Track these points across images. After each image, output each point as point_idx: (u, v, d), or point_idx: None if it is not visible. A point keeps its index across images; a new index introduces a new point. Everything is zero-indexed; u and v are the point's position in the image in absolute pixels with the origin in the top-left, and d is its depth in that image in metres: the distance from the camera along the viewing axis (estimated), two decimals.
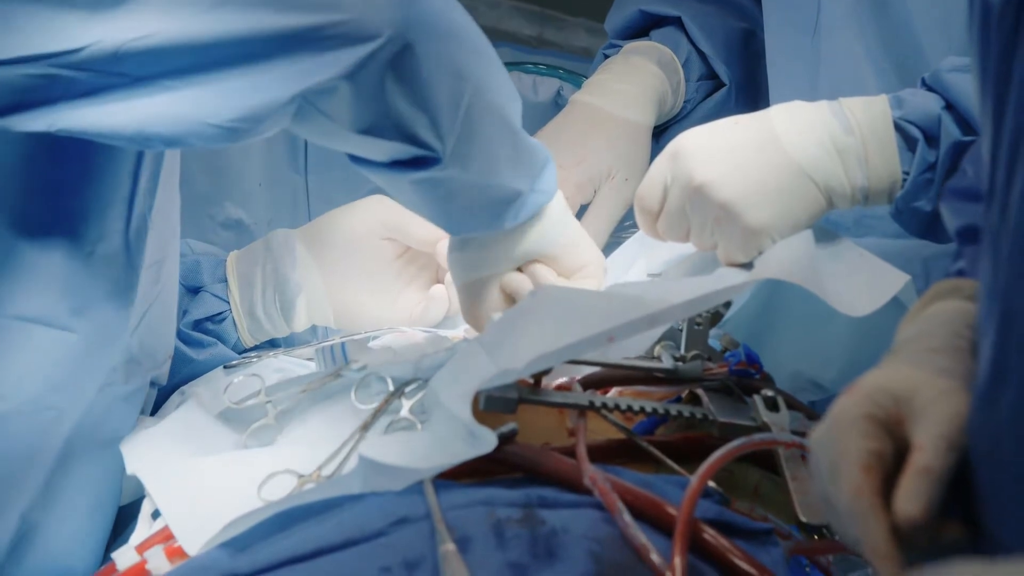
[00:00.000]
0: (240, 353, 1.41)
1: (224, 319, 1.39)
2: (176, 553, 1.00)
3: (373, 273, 1.39)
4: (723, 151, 1.22)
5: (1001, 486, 0.71)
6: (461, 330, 1.39)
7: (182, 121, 0.97)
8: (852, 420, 0.76)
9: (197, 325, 1.38)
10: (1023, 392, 0.68)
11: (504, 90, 1.15)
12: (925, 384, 0.77)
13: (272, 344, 1.44)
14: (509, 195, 1.20)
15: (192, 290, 1.39)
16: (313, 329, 1.50)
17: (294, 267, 1.37)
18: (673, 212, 1.26)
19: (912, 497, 0.70)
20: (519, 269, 1.28)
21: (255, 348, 1.42)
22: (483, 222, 1.22)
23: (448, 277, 1.37)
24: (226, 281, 1.39)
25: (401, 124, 1.05)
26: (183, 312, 1.37)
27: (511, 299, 1.29)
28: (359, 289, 1.39)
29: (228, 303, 1.39)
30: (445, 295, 1.40)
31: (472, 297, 1.29)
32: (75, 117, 0.96)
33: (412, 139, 1.07)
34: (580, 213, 1.52)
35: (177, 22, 0.94)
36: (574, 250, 1.29)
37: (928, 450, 0.72)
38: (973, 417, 0.73)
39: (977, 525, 0.73)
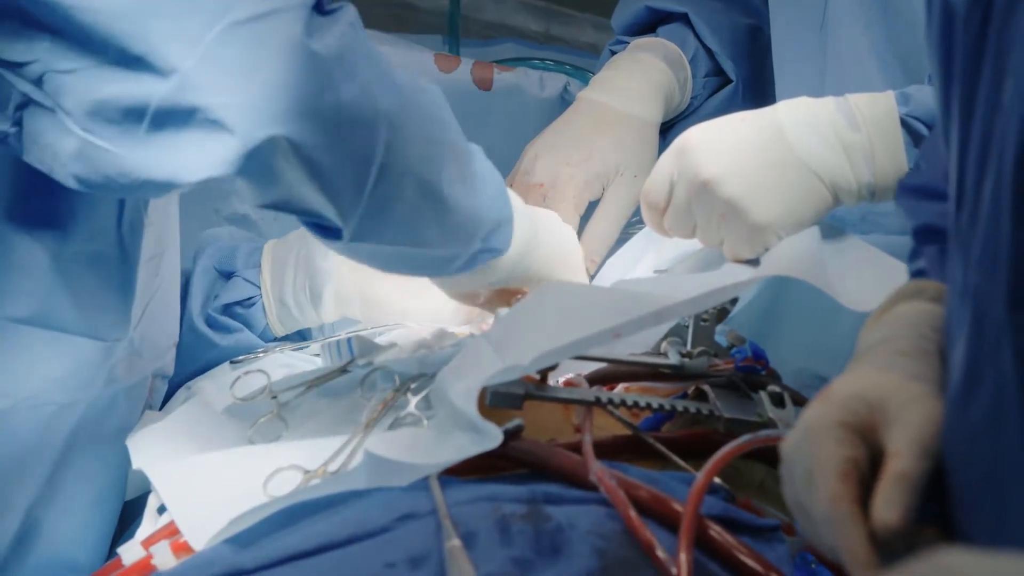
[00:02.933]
0: (266, 342, 1.41)
1: (254, 304, 1.39)
2: (182, 548, 1.00)
3: None
4: (729, 147, 1.22)
5: (975, 489, 0.71)
6: (467, 326, 1.40)
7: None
8: (827, 428, 0.76)
9: (226, 309, 1.38)
10: (996, 395, 0.67)
11: (433, 161, 1.06)
12: (897, 389, 0.76)
13: (300, 336, 1.44)
14: (448, 257, 1.14)
15: (225, 275, 1.39)
16: (319, 325, 1.50)
17: (324, 257, 1.37)
18: (679, 208, 1.26)
19: (890, 503, 0.70)
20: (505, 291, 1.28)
21: (279, 340, 1.43)
22: (428, 273, 1.20)
23: None
24: (259, 267, 1.39)
25: (302, 204, 1.00)
26: (214, 296, 1.37)
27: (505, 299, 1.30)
28: (385, 282, 1.39)
29: (259, 288, 1.39)
30: None
31: (466, 300, 1.32)
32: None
33: (315, 216, 1.02)
34: (589, 210, 1.52)
35: None
36: (549, 271, 1.28)
37: (904, 456, 0.72)
38: (947, 421, 0.73)
39: (953, 529, 0.73)
